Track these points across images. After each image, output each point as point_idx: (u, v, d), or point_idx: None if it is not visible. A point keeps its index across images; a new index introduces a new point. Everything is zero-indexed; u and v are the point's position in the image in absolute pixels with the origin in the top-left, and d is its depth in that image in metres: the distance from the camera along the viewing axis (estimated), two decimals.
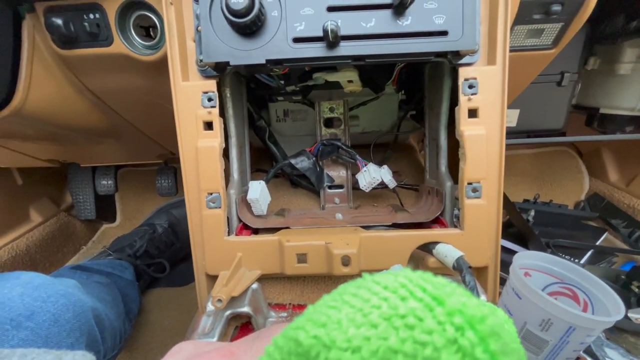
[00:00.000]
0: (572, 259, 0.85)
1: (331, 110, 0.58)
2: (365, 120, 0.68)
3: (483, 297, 0.31)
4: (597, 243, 0.92)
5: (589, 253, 0.86)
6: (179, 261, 0.98)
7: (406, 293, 0.09)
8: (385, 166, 0.54)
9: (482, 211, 0.37)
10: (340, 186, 0.60)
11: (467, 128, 0.37)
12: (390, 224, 0.45)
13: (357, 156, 0.55)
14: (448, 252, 0.36)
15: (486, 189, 0.37)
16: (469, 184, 0.37)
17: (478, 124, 0.37)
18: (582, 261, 0.85)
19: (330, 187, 0.60)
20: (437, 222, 0.45)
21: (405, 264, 0.38)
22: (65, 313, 0.32)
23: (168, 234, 0.98)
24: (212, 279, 0.40)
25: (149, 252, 0.93)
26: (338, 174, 0.59)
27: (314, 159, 0.57)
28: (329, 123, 0.60)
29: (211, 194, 0.39)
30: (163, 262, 0.93)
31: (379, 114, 0.67)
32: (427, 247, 0.38)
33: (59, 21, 0.37)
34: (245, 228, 0.44)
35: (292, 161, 0.56)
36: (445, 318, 0.09)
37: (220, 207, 0.39)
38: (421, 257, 0.40)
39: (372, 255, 0.37)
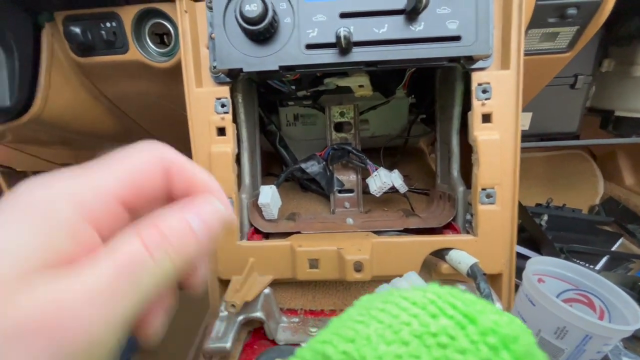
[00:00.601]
0: (586, 264, 0.83)
1: (342, 114, 0.58)
2: (375, 124, 0.67)
3: (498, 305, 0.30)
4: (613, 248, 0.90)
5: (605, 259, 0.84)
6: None
7: (436, 310, 0.09)
8: (395, 170, 0.54)
9: (497, 217, 0.36)
10: (351, 190, 0.60)
11: (480, 133, 0.37)
12: (401, 229, 0.45)
13: (368, 160, 0.55)
14: (462, 258, 0.35)
15: (500, 194, 0.36)
16: (483, 189, 0.37)
17: (492, 129, 0.37)
18: (598, 267, 0.83)
19: (340, 191, 0.60)
20: (449, 227, 0.45)
21: (419, 269, 0.37)
22: None
23: None
24: (224, 283, 0.40)
25: None
26: (348, 178, 0.59)
27: (324, 163, 0.57)
28: (339, 127, 0.60)
29: None
30: None
31: (389, 118, 0.67)
32: (440, 253, 0.38)
33: (77, 30, 0.38)
34: (256, 232, 0.45)
35: (303, 165, 0.57)
36: (478, 337, 0.08)
37: (232, 213, 0.39)
38: (434, 263, 0.40)
39: (384, 261, 0.37)
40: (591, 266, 0.83)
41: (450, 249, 0.37)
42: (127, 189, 0.15)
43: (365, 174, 0.58)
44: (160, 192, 0.16)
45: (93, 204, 0.14)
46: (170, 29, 0.42)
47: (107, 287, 0.13)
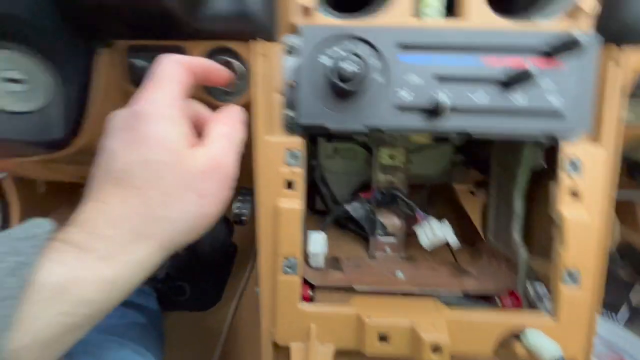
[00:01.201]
0: (607, 311, 0.83)
1: (391, 157, 0.56)
2: (416, 164, 0.65)
3: None
4: (629, 295, 0.91)
5: (624, 309, 0.85)
6: (198, 283, 0.96)
7: None
8: (445, 220, 0.52)
9: (580, 301, 0.35)
10: (392, 234, 0.57)
11: (568, 211, 0.35)
12: (460, 293, 0.43)
13: (417, 209, 0.53)
14: (542, 345, 0.33)
15: (586, 276, 0.35)
16: (566, 269, 0.35)
17: (580, 208, 0.35)
18: (618, 315, 0.83)
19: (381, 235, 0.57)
20: (507, 293, 0.43)
21: (492, 349, 0.35)
22: None
23: (188, 254, 0.95)
24: (278, 348, 0.37)
25: (170, 274, 0.90)
26: (392, 222, 0.57)
27: (368, 206, 0.55)
28: (384, 168, 0.58)
29: (288, 258, 0.36)
30: (183, 285, 0.91)
31: (431, 158, 0.65)
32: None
33: (144, 62, 0.35)
34: (304, 283, 0.42)
35: (348, 208, 0.54)
36: None
37: (296, 274, 0.36)
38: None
39: (459, 339, 0.35)
40: (612, 313, 0.83)
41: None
42: (183, 95, 0.29)
43: (409, 218, 0.56)
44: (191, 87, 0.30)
45: (182, 111, 0.28)
46: (235, 67, 0.39)
47: (227, 143, 0.30)
